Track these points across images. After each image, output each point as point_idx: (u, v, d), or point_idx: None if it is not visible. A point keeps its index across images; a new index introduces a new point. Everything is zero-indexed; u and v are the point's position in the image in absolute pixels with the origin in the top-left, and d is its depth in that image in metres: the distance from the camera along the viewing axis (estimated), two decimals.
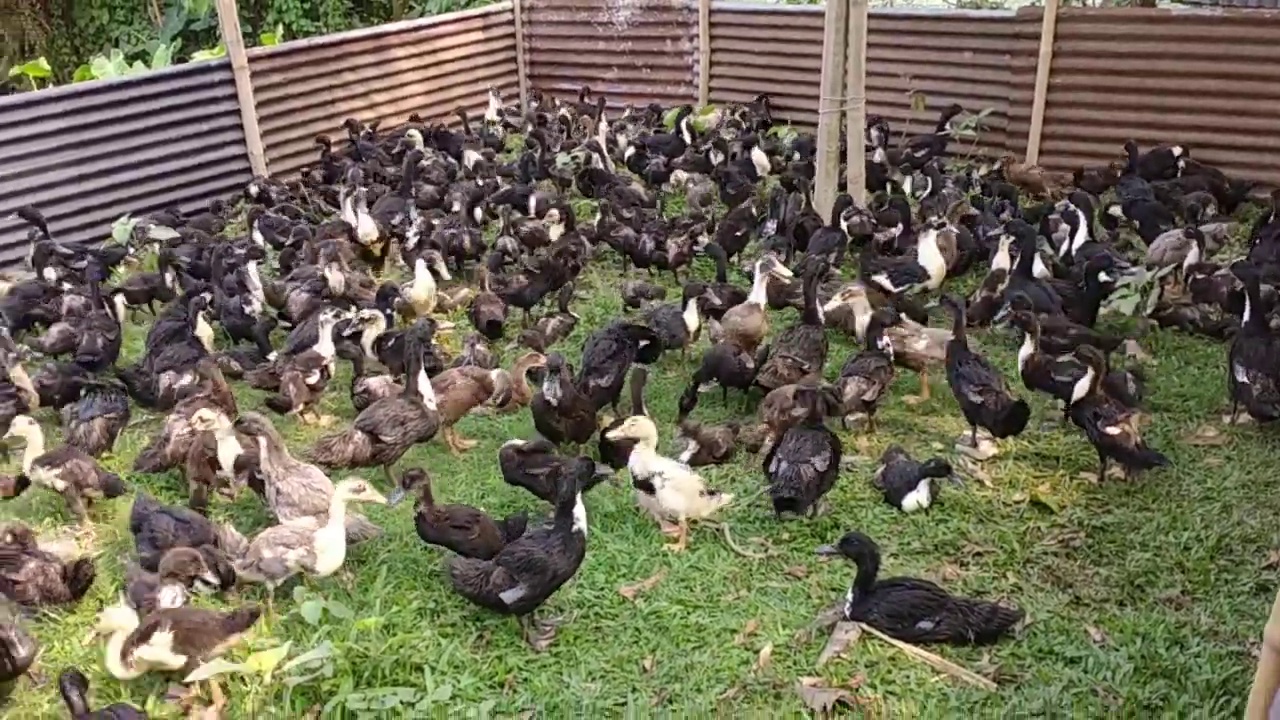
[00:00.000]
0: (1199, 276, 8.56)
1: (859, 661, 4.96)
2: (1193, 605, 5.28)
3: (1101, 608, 5.31)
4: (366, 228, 10.36)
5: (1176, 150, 11.09)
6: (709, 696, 4.73)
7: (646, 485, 5.93)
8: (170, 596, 5.23)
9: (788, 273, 8.61)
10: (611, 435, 6.18)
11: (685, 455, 6.77)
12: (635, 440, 6.00)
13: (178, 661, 4.83)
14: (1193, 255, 8.76)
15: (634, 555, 5.81)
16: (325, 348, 7.70)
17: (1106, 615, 5.23)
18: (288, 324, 8.96)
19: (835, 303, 7.90)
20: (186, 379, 7.57)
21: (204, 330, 8.12)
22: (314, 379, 7.54)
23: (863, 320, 7.69)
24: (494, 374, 7.23)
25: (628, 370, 7.29)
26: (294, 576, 5.48)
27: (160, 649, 4.81)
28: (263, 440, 5.91)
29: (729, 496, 6.10)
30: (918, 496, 6.18)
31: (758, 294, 8.12)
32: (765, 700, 4.73)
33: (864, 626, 5.12)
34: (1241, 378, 6.79)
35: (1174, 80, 11.35)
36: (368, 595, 5.43)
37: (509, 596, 5.07)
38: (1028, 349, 7.02)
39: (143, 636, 4.82)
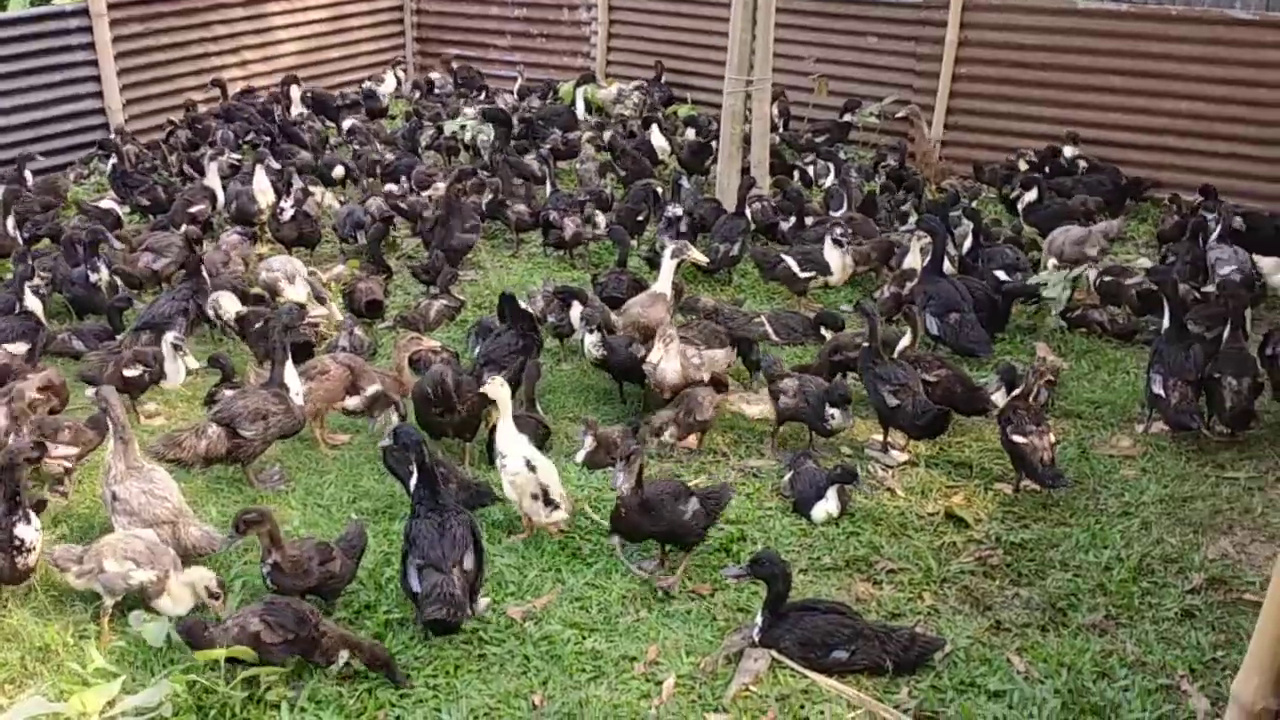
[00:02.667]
0: (1107, 279, 8.35)
1: (769, 695, 4.56)
2: (1117, 631, 5.01)
3: (1023, 633, 5.00)
4: (264, 188, 9.55)
5: (1068, 150, 10.94)
6: None
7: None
8: None
9: (703, 257, 8.08)
10: (485, 389, 5.74)
11: (581, 454, 6.29)
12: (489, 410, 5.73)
13: None
14: (1093, 251, 8.59)
15: (523, 571, 5.29)
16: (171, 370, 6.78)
17: (1029, 642, 4.92)
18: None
19: (657, 351, 6.57)
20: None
21: (34, 303, 7.17)
22: (134, 371, 6.63)
23: (671, 368, 6.57)
24: (371, 389, 6.57)
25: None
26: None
27: None
28: (110, 425, 5.21)
29: (564, 516, 5.56)
30: (827, 506, 5.81)
31: (664, 283, 7.50)
32: None
33: (774, 655, 4.70)
34: (1158, 389, 6.55)
35: (1079, 75, 11.16)
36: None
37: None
38: (906, 340, 7.00)
39: None
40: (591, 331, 6.96)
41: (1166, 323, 6.78)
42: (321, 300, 8.12)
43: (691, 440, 6.54)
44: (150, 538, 4.81)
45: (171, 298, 7.31)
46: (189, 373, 6.82)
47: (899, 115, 11.63)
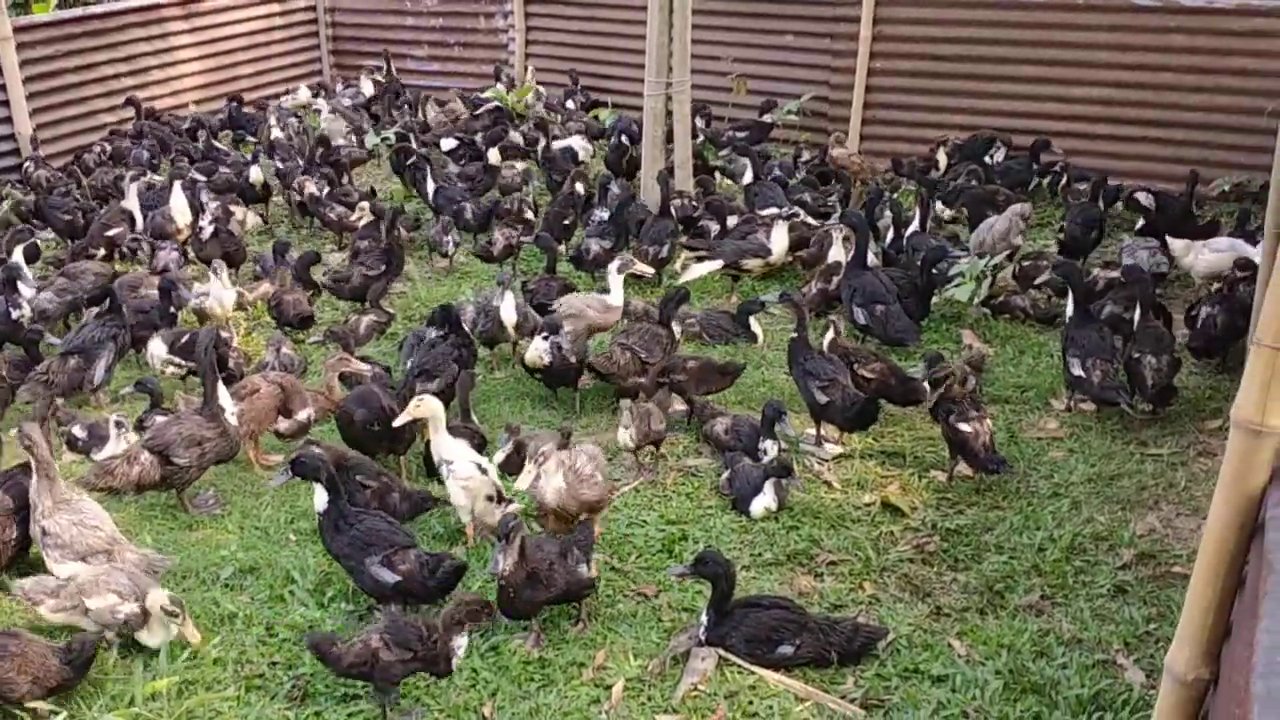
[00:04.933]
0: (1025, 264, 8.53)
1: (718, 693, 4.59)
2: (1053, 611, 5.12)
3: (963, 618, 5.09)
4: (181, 207, 9.39)
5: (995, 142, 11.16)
6: None
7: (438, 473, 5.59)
8: (460, 645, 4.52)
9: (649, 270, 8.15)
10: (397, 422, 5.74)
11: (499, 456, 6.19)
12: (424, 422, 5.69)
13: None
14: (1018, 239, 8.78)
15: (466, 582, 5.25)
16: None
17: (969, 626, 5.01)
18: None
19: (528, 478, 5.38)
20: None
21: None
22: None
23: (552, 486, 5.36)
24: (303, 414, 6.51)
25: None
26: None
27: None
28: (32, 461, 5.11)
29: (518, 506, 5.59)
30: (765, 501, 5.84)
31: (616, 296, 7.61)
32: None
33: (721, 652, 4.74)
34: (1077, 370, 6.69)
35: (992, 65, 11.38)
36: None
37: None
38: (830, 334, 7.07)
39: None
40: (546, 338, 6.91)
41: (1071, 309, 6.95)
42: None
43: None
44: (139, 578, 4.74)
45: (101, 324, 7.12)
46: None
47: (814, 151, 11.75)
